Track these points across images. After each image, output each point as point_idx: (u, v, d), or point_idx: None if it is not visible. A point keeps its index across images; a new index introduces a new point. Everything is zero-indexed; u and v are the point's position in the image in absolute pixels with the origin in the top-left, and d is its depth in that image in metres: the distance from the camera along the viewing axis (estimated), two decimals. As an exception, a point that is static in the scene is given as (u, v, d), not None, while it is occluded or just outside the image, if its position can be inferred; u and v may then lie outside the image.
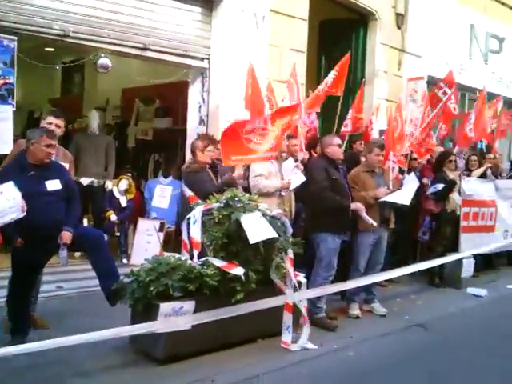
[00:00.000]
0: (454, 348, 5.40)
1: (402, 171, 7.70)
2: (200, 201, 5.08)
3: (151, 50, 6.89)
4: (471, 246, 7.88)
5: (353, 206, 5.80)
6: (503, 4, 12.73)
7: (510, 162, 10.33)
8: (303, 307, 5.20)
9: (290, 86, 7.11)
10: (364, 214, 5.81)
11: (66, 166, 5.17)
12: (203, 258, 4.72)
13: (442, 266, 7.69)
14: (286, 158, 6.51)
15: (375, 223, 5.88)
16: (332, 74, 7.56)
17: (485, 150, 10.14)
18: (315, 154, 7.19)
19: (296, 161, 6.64)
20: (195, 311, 4.53)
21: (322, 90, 7.52)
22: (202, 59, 7.33)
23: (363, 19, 9.60)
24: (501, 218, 8.58)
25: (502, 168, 9.97)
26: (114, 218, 7.58)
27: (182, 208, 5.68)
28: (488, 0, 12.23)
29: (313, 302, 5.55)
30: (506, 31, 12.80)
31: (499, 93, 12.09)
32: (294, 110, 6.20)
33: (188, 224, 4.83)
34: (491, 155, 9.70)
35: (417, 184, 6.82)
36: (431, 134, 8.68)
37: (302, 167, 6.30)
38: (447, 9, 10.97)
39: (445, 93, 8.85)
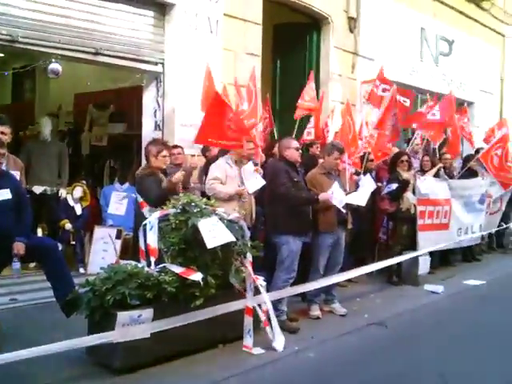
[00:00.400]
0: (411, 345, 5.48)
1: (357, 173, 7.81)
2: (148, 207, 5.04)
3: (103, 55, 6.76)
4: (429, 243, 8.05)
5: (321, 197, 5.85)
6: (452, 8, 13.04)
7: (463, 160, 10.56)
8: (263, 310, 5.20)
9: (249, 90, 7.15)
10: (334, 202, 5.88)
11: (17, 174, 5.04)
12: (161, 265, 4.66)
13: (399, 264, 7.81)
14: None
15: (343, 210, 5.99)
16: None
17: (437, 151, 10.35)
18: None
19: (255, 164, 6.65)
20: (154, 319, 4.46)
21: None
22: (156, 63, 7.24)
23: (316, 23, 9.68)
24: (454, 216, 8.79)
25: (453, 167, 10.19)
26: (68, 226, 7.41)
27: (136, 215, 5.57)
28: (437, 4, 12.51)
29: (274, 305, 5.54)
30: (455, 34, 13.13)
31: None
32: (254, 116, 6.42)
33: (144, 231, 4.76)
34: (447, 155, 9.88)
35: (373, 186, 6.90)
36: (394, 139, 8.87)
37: (261, 171, 6.31)
38: (398, 13, 11.17)
39: (385, 90, 9.02)
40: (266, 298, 5.20)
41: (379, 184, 8.09)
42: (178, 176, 5.49)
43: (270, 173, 6.02)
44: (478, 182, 9.65)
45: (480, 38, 14.26)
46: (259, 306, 5.22)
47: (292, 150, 5.88)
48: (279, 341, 5.15)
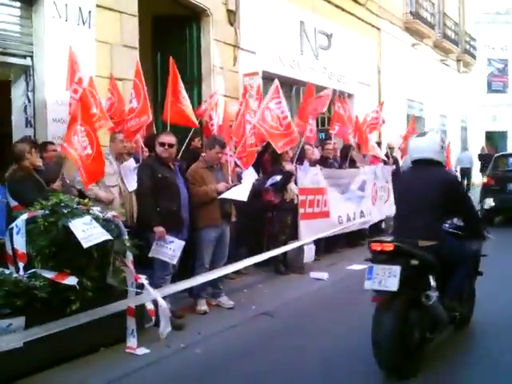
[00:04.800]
0: (297, 333, 5.59)
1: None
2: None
3: (-35, 48, 6.27)
4: (311, 232, 8.26)
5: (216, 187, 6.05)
6: (329, 2, 13.43)
7: (340, 149, 10.97)
8: (149, 308, 5.09)
9: (136, 86, 6.99)
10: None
11: None
12: (31, 270, 4.40)
13: (285, 253, 7.95)
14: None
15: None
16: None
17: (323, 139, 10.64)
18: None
19: (137, 161, 6.50)
20: (26, 327, 4.22)
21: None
22: (25, 57, 6.82)
23: (196, 15, 9.57)
24: (333, 204, 9.09)
25: (337, 156, 10.52)
26: None
27: (7, 219, 5.24)
28: (315, -2, 12.83)
29: (155, 304, 5.42)
30: (334, 28, 13.54)
31: (331, 86, 12.80)
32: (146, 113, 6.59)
33: (11, 234, 4.47)
34: (329, 145, 10.13)
35: (254, 178, 6.95)
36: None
37: None
38: (277, 6, 11.32)
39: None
40: (150, 297, 5.09)
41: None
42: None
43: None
44: (356, 171, 10.09)
45: (357, 31, 14.81)
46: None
47: (157, 145, 5.77)
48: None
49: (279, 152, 8.08)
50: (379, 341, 4.13)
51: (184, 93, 7.45)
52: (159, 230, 5.47)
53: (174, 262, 5.58)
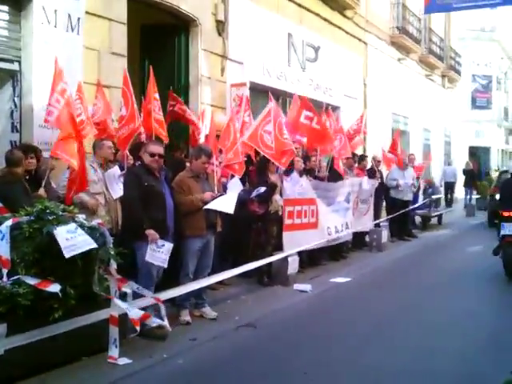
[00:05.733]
0: (279, 344, 5.59)
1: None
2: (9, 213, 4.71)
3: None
4: (297, 243, 8.27)
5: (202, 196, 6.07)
6: (317, 15, 13.55)
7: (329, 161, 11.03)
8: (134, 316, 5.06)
9: (125, 94, 6.97)
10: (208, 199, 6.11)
11: None
12: (14, 277, 4.36)
13: (269, 264, 7.95)
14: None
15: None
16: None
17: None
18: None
19: (122, 169, 6.46)
20: (8, 334, 4.17)
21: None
22: (12, 61, 6.78)
23: (185, 25, 9.59)
24: (322, 215, 9.13)
25: (323, 167, 10.56)
26: None
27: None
28: (303, 11, 12.92)
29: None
30: (321, 41, 13.65)
31: (317, 99, 12.89)
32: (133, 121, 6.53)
33: (-5, 240, 4.43)
34: (312, 158, 10.19)
35: (239, 189, 6.95)
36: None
37: None
38: (265, 18, 11.38)
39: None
40: (133, 306, 5.06)
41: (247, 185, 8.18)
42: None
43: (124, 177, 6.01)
44: (342, 183, 10.15)
45: (344, 45, 14.94)
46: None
47: (146, 154, 5.79)
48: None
49: (284, 168, 8.26)
50: (507, 260, 8.35)
51: (156, 104, 7.45)
52: (151, 232, 5.48)
53: (165, 265, 5.59)
